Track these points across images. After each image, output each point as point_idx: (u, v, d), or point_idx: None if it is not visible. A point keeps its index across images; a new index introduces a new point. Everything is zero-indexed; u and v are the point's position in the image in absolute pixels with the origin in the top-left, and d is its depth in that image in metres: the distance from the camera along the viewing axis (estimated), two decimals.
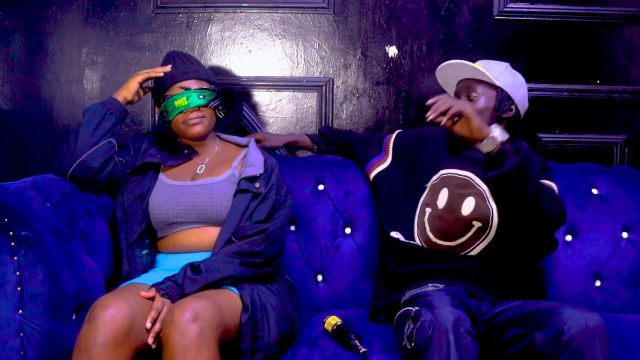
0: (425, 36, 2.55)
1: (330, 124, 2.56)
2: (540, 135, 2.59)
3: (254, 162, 2.08)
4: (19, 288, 1.74)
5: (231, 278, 1.88)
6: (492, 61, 2.15)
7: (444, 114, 1.82)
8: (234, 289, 1.88)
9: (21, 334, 1.73)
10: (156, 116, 2.56)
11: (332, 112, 2.57)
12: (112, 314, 1.65)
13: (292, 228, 2.30)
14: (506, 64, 2.16)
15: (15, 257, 1.75)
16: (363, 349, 1.78)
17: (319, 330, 1.94)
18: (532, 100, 2.55)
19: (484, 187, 2.04)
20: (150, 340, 1.70)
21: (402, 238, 2.12)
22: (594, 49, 2.57)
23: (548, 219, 1.87)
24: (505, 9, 2.54)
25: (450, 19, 2.55)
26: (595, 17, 2.55)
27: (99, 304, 1.68)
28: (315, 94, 2.58)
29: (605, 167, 2.42)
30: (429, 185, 2.13)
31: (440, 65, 2.17)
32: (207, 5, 2.57)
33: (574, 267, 2.26)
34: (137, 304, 1.73)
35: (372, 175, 2.28)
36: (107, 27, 2.57)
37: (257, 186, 2.02)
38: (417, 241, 2.09)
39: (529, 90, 2.55)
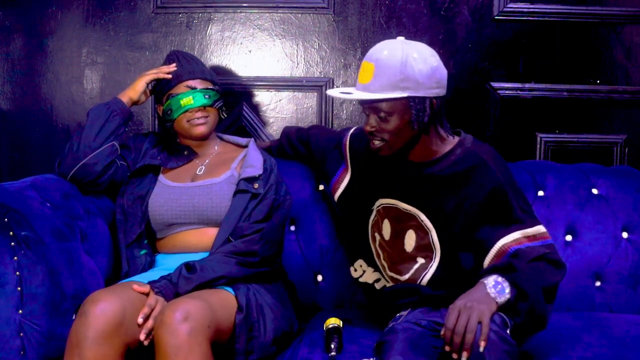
0: (425, 36, 2.55)
1: (330, 124, 2.56)
2: (540, 135, 2.58)
3: (254, 162, 2.08)
4: (19, 288, 1.74)
5: (226, 277, 1.89)
6: (387, 53, 1.76)
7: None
8: (229, 289, 1.88)
9: (21, 334, 1.73)
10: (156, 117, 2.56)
11: (332, 112, 2.57)
12: (103, 308, 1.66)
13: (292, 228, 2.30)
14: (403, 48, 1.76)
15: (15, 257, 1.75)
16: (332, 353, 1.79)
17: (320, 329, 1.94)
18: (532, 100, 2.57)
19: (430, 225, 1.86)
20: (142, 337, 1.71)
21: (364, 266, 2.05)
22: (594, 49, 2.57)
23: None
24: (505, 9, 2.53)
25: (450, 19, 2.55)
26: (595, 17, 2.55)
27: (90, 299, 1.69)
28: (316, 94, 2.58)
29: (606, 167, 2.42)
30: (374, 208, 1.97)
31: (330, 94, 1.87)
32: (207, 5, 2.56)
33: (574, 267, 2.26)
34: (129, 299, 1.73)
35: (336, 196, 2.09)
36: (107, 27, 2.57)
37: (256, 187, 2.02)
38: (379, 265, 2.00)
39: (529, 90, 2.57)
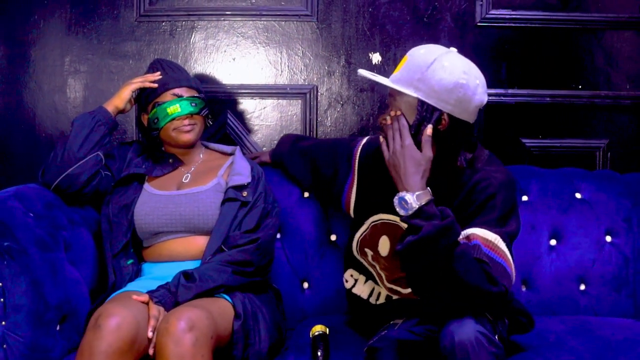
0: (408, 43, 2.55)
1: (314, 131, 2.56)
2: (524, 140, 2.60)
3: (241, 170, 2.08)
4: (1, 299, 1.72)
5: (224, 287, 1.89)
6: (423, 51, 1.74)
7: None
8: (226, 296, 1.88)
9: (4, 346, 1.71)
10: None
11: (317, 120, 2.57)
12: (118, 323, 1.64)
13: (278, 236, 2.30)
14: (439, 55, 1.71)
15: None
16: None
17: (306, 337, 1.93)
18: (515, 105, 2.58)
19: None
20: (151, 351, 1.70)
21: (355, 274, 2.00)
22: (576, 54, 2.59)
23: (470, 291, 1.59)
24: (487, 16, 2.55)
25: (433, 26, 2.56)
26: (577, 23, 2.57)
27: (104, 312, 1.67)
28: (300, 101, 2.58)
29: (589, 171, 2.44)
30: (368, 222, 1.94)
31: (359, 74, 1.79)
32: (191, 13, 2.56)
33: (558, 272, 2.28)
34: (141, 313, 1.73)
35: (351, 211, 2.03)
36: (90, 36, 2.56)
37: (244, 195, 2.01)
38: (374, 274, 1.96)
39: (512, 96, 2.59)
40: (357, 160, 2.04)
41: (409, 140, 1.69)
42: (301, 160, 2.25)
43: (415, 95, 1.70)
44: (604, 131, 2.60)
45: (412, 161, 1.66)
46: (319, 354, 1.80)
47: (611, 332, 2.02)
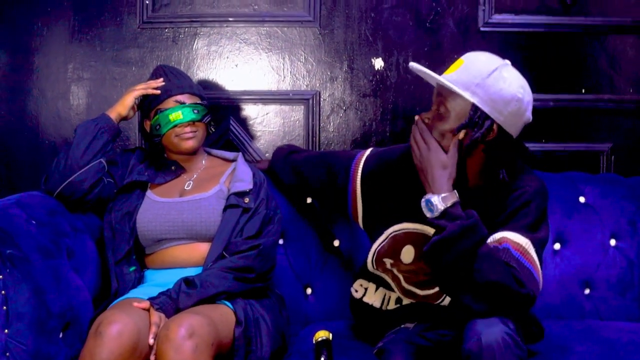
0: (411, 48, 2.56)
1: (317, 137, 2.56)
2: (527, 144, 2.58)
3: (243, 177, 2.08)
4: (4, 307, 1.72)
5: (226, 293, 1.89)
6: (484, 58, 1.76)
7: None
8: (228, 303, 1.88)
9: (7, 354, 1.71)
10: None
11: (319, 125, 2.57)
12: (119, 330, 1.65)
13: (281, 242, 2.30)
14: (499, 65, 1.73)
15: (1, 276, 1.73)
16: None
17: (310, 343, 1.92)
18: None
19: None
20: (152, 358, 1.70)
21: (365, 284, 1.99)
22: (579, 58, 2.59)
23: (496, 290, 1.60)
24: (490, 20, 2.55)
25: (435, 31, 2.56)
26: (580, 27, 2.57)
27: (106, 319, 1.67)
28: (302, 107, 2.58)
29: (592, 175, 2.43)
30: (388, 232, 1.92)
31: (411, 66, 1.80)
32: (193, 20, 2.57)
33: (563, 276, 2.27)
34: (142, 320, 1.73)
35: (360, 221, 2.03)
36: (93, 43, 2.56)
37: (246, 201, 2.01)
38: (388, 280, 1.95)
39: None
40: (359, 171, 2.00)
41: (434, 143, 1.71)
42: (293, 173, 2.24)
43: (471, 99, 1.69)
44: (607, 135, 2.60)
45: (438, 164, 1.69)
46: (322, 359, 1.80)
47: (617, 336, 2.01)
